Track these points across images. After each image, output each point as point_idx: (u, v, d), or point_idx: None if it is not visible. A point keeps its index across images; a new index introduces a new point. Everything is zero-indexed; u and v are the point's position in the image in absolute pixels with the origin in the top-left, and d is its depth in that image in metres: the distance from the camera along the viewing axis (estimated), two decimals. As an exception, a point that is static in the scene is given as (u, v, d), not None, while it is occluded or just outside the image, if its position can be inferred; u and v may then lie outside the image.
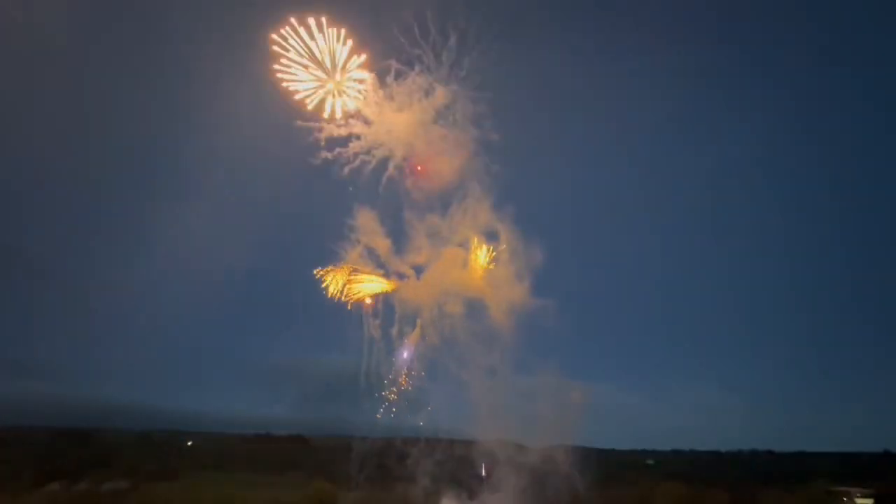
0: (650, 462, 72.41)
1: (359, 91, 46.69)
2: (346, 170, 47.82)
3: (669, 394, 66.71)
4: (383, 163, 48.25)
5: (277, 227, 55.83)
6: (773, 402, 67.18)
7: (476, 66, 47.60)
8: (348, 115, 47.03)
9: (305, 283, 52.41)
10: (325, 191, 51.07)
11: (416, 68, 47.12)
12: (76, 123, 59.33)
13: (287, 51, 45.37)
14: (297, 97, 46.26)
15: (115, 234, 61.61)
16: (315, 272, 46.89)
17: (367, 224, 47.56)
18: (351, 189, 48.10)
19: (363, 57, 46.49)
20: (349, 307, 48.39)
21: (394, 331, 47.43)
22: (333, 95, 47.41)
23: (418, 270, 48.41)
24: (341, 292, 47.31)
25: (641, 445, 67.37)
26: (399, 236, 47.72)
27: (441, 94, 47.19)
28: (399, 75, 46.81)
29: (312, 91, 47.17)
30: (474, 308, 49.53)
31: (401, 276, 48.38)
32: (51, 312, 59.43)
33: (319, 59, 46.75)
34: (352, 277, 47.38)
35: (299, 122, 45.86)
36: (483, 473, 49.38)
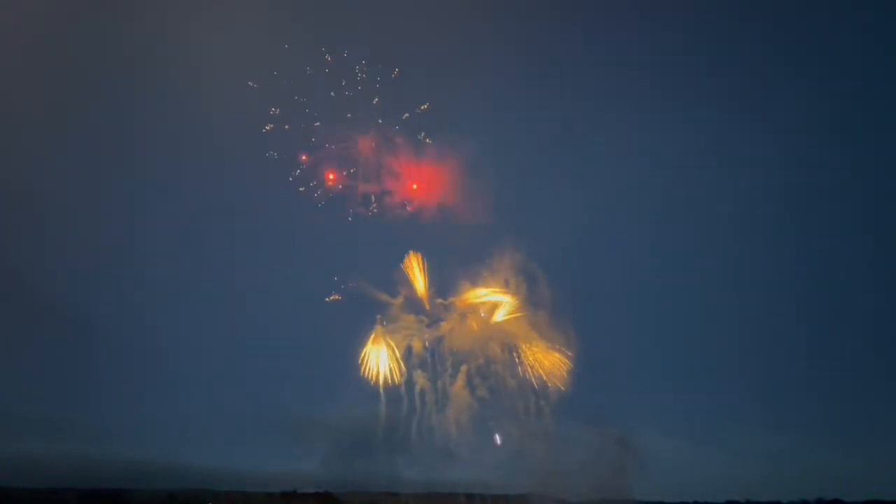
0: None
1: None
2: (382, 222, 48.27)
3: (715, 436, 62.17)
4: (416, 214, 48.56)
5: (307, 279, 55.71)
6: (839, 443, 61.67)
7: (502, 121, 48.59)
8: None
9: (337, 333, 51.90)
10: (360, 242, 51.34)
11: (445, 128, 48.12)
12: (130, 200, 61.06)
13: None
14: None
15: (145, 291, 61.96)
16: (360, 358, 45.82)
17: (406, 273, 47.47)
18: (387, 239, 48.28)
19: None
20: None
21: (440, 383, 46.29)
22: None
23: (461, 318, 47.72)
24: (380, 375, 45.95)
25: (692, 497, 62.80)
26: (440, 284, 47.54)
27: (469, 149, 47.92)
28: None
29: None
30: (515, 353, 48.31)
31: (441, 322, 47.71)
32: (78, 370, 59.11)
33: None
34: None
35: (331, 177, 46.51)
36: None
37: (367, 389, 49.42)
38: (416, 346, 46.86)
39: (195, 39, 52.00)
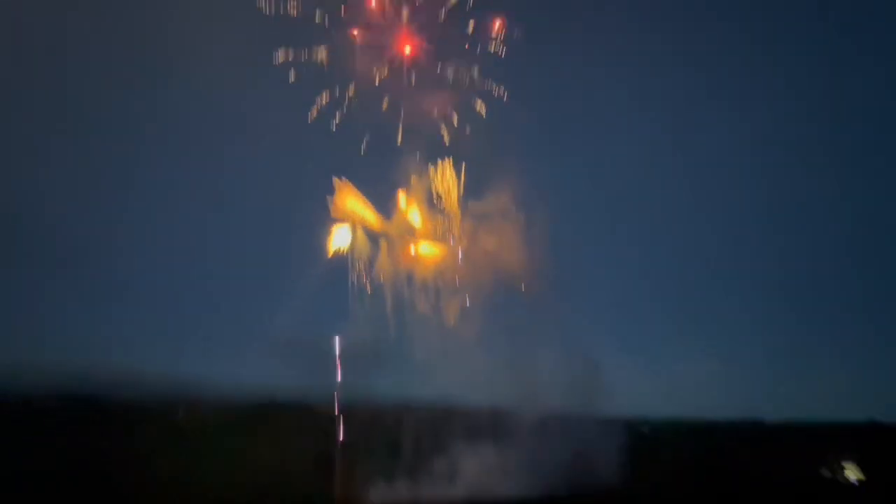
0: (645, 430, 74.68)
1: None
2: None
3: (655, 359, 68.05)
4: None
5: (295, 188, 54.18)
6: (759, 370, 69.43)
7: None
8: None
9: (315, 252, 51.72)
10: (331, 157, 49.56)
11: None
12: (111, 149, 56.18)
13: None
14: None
15: (124, 201, 58.99)
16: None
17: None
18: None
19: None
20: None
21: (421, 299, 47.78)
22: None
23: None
24: None
25: (634, 412, 68.76)
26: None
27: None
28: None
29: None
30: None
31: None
32: (53, 279, 56.95)
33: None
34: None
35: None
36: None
37: (349, 305, 50.51)
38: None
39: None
